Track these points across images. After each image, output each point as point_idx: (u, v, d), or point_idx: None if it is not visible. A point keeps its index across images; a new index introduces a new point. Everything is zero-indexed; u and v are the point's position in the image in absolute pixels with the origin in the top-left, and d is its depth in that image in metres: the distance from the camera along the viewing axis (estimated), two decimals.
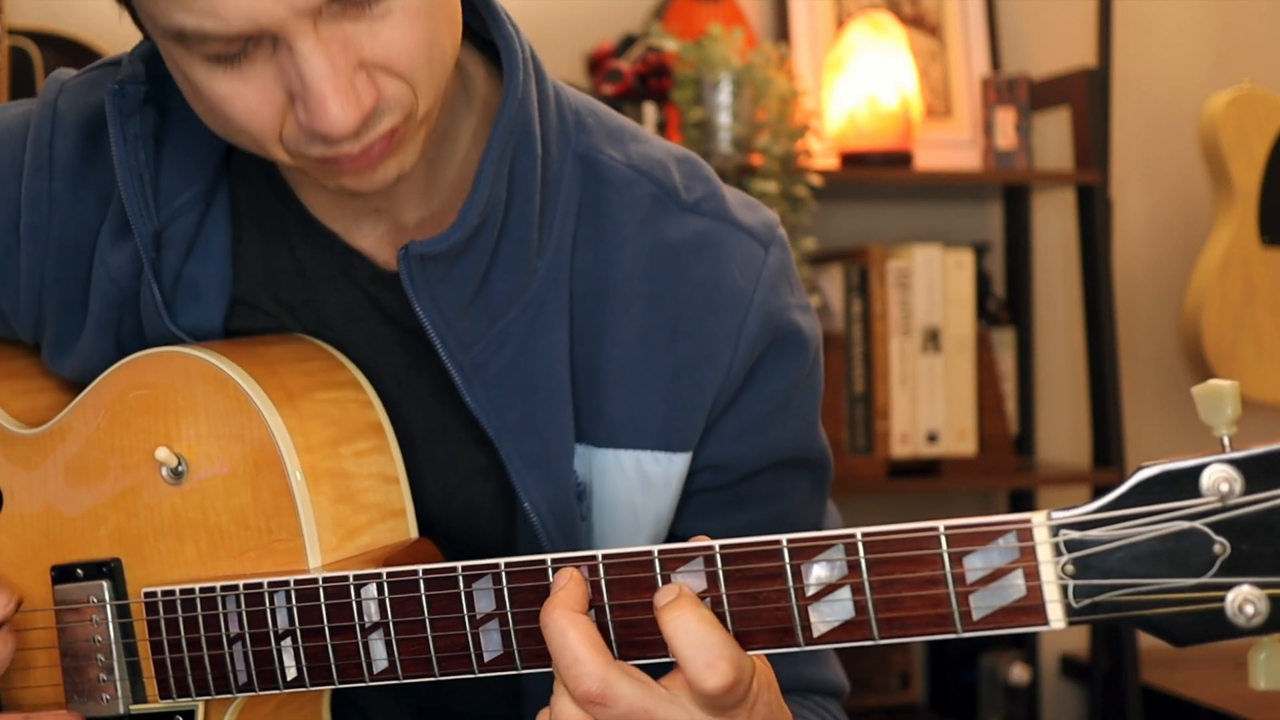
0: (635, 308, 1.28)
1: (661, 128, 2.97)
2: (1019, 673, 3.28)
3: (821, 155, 3.07)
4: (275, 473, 1.17)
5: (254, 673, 1.14)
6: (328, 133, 1.07)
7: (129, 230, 1.26)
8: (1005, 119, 3.22)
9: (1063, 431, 3.54)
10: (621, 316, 1.27)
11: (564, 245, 1.27)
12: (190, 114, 1.27)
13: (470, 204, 1.20)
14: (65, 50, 2.77)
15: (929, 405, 3.12)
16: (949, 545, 0.93)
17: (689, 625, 0.98)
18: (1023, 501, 3.36)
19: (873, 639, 0.96)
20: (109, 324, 1.29)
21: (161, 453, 1.18)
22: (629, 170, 1.30)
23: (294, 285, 1.30)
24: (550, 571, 1.03)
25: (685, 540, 1.32)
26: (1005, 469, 3.18)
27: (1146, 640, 3.21)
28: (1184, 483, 0.88)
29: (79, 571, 1.22)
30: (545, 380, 1.25)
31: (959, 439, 3.14)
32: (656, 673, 1.02)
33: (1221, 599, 0.87)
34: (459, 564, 1.07)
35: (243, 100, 1.09)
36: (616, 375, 1.27)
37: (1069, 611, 0.91)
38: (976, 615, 0.93)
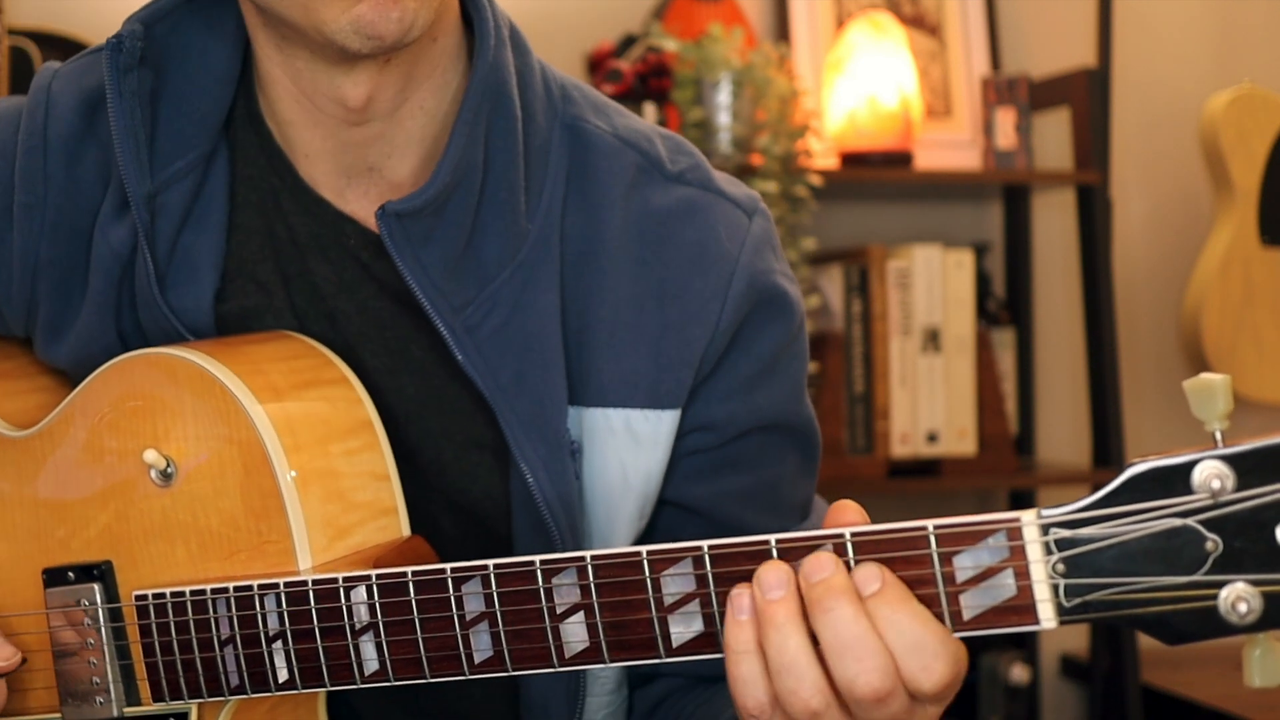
0: (624, 271, 1.30)
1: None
2: (1019, 673, 3.28)
3: (821, 155, 3.07)
4: (264, 474, 1.16)
5: (245, 675, 1.14)
6: None
7: (129, 205, 1.27)
8: (1005, 119, 3.22)
9: (1063, 431, 3.54)
10: (610, 279, 1.29)
11: (554, 210, 1.29)
12: (187, 78, 1.28)
13: (443, 161, 1.23)
14: (65, 50, 2.77)
15: (929, 405, 3.12)
16: (938, 545, 0.93)
17: (902, 624, 0.93)
18: (1023, 501, 3.35)
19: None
20: (109, 302, 1.29)
21: (150, 455, 1.18)
22: (615, 140, 1.33)
23: (287, 255, 1.31)
24: (539, 573, 1.03)
25: (678, 505, 1.33)
26: (1005, 469, 3.18)
27: (1146, 640, 3.19)
28: (1175, 479, 0.87)
29: (70, 574, 1.22)
30: (537, 341, 1.26)
31: (959, 439, 3.13)
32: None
33: (1214, 596, 0.87)
34: (448, 565, 1.06)
35: None
36: (605, 336, 1.29)
37: (1060, 611, 0.90)
38: (967, 615, 0.92)
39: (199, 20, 1.29)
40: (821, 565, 0.95)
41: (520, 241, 1.27)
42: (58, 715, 1.24)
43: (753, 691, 0.97)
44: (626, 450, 1.29)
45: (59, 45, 2.80)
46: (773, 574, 0.96)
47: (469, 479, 1.31)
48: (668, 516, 1.35)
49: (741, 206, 1.35)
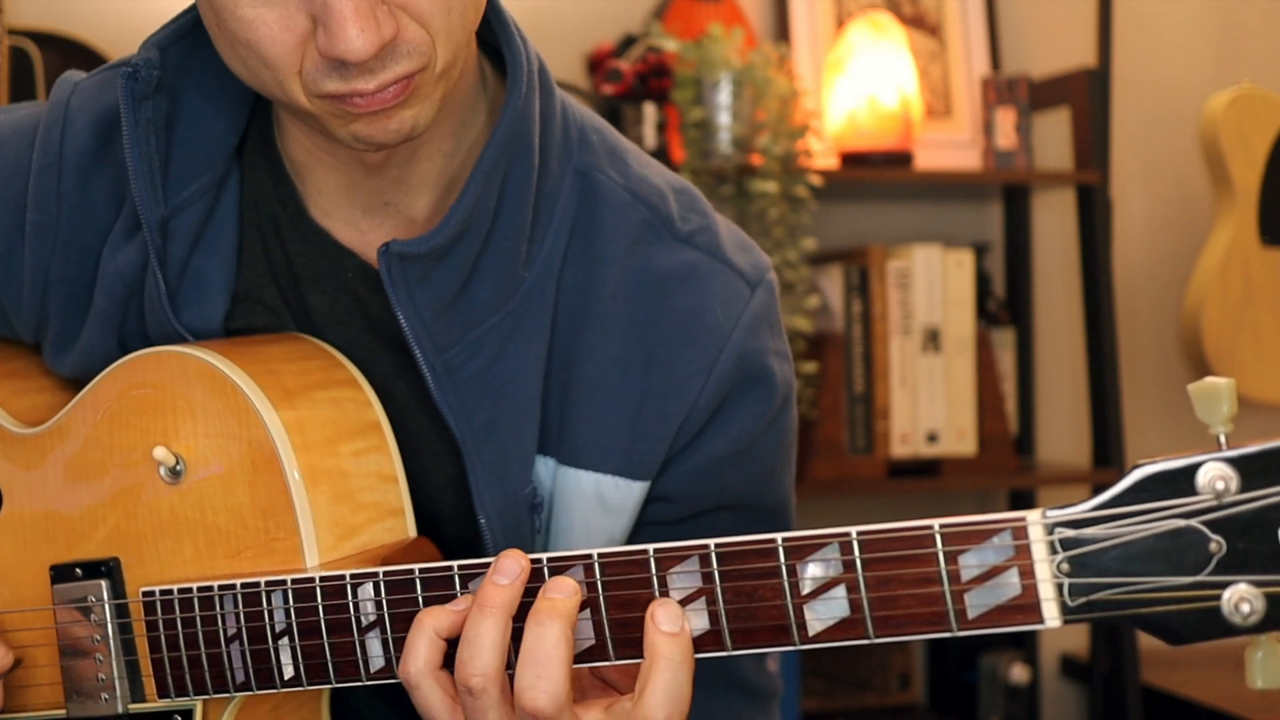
0: (614, 330, 1.28)
1: (661, 128, 2.97)
2: (1019, 673, 3.28)
3: (821, 155, 3.07)
4: (273, 472, 1.17)
5: (251, 672, 1.14)
6: (345, 54, 1.07)
7: (140, 227, 1.26)
8: (1005, 119, 3.22)
9: (1063, 431, 3.54)
10: (600, 336, 1.28)
11: (554, 260, 1.27)
12: (202, 104, 1.27)
13: (454, 210, 1.21)
14: (65, 50, 2.77)
15: (929, 405, 3.12)
16: (944, 544, 0.93)
17: (676, 673, 1.00)
18: (1023, 501, 3.36)
19: (868, 638, 0.96)
20: (113, 319, 1.29)
21: (159, 452, 1.18)
22: (626, 193, 1.31)
23: (285, 281, 1.31)
24: (546, 571, 1.04)
25: None
26: (1005, 469, 3.19)
27: (1146, 640, 3.21)
28: (1180, 481, 0.88)
29: (78, 571, 1.22)
30: (516, 389, 1.25)
31: (959, 439, 3.14)
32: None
33: (1218, 597, 0.87)
34: (455, 563, 1.07)
35: (266, 26, 1.10)
36: (588, 395, 1.28)
37: (1064, 610, 0.91)
38: (972, 614, 0.93)
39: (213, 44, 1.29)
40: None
41: (514, 288, 1.26)
42: (62, 712, 1.24)
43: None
44: (593, 514, 1.29)
45: (59, 45, 2.80)
46: (510, 561, 1.04)
47: (443, 518, 1.31)
48: None
49: (745, 278, 1.32)
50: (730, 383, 1.29)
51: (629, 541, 1.32)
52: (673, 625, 1.00)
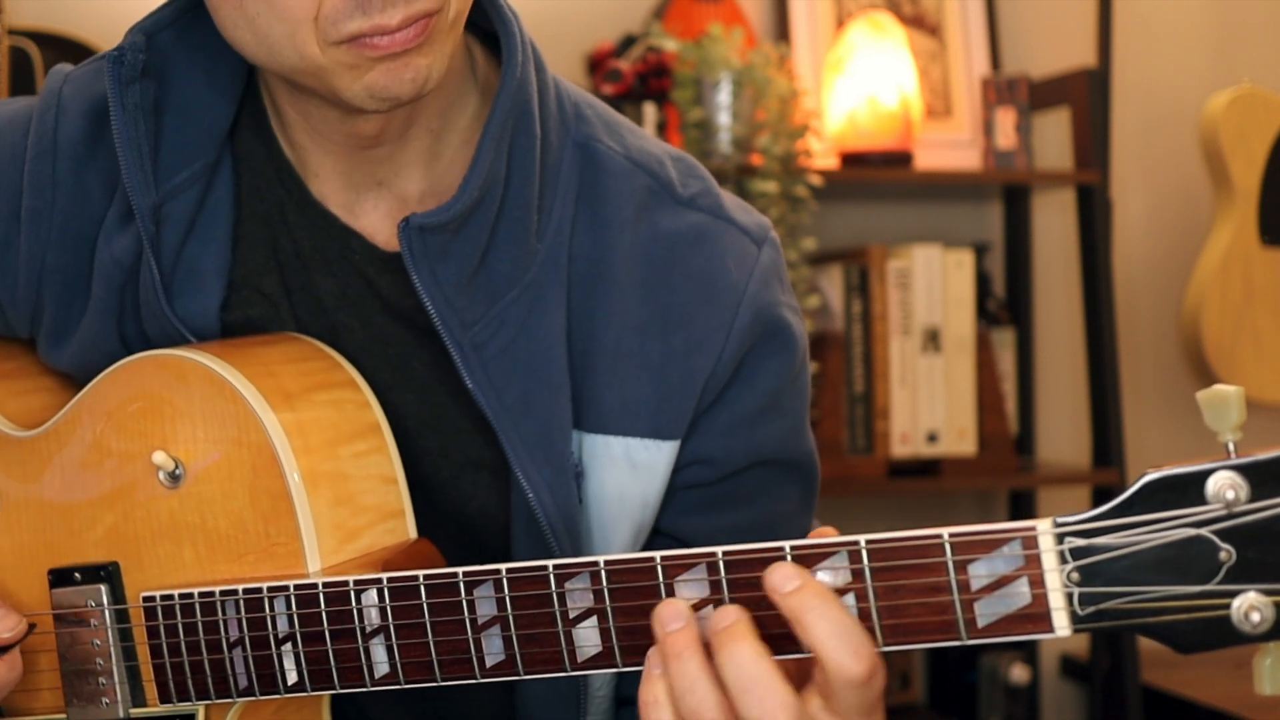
0: (630, 295, 1.29)
1: (661, 128, 2.96)
2: (1019, 673, 3.28)
3: (821, 155, 3.07)
4: (273, 475, 1.16)
5: (254, 677, 1.14)
6: None
7: (133, 215, 1.26)
8: (1005, 119, 3.22)
9: (1063, 431, 3.54)
10: (616, 303, 1.29)
11: (563, 230, 1.28)
12: (192, 90, 1.28)
13: (470, 176, 1.22)
14: (65, 50, 2.77)
15: (929, 405, 3.12)
16: (953, 553, 0.93)
17: (828, 613, 0.94)
18: (1023, 501, 3.35)
19: (877, 646, 0.96)
20: (111, 309, 1.29)
21: (158, 456, 1.18)
22: (626, 161, 1.32)
23: (291, 268, 1.31)
24: (552, 577, 1.03)
25: (671, 536, 1.33)
26: (1005, 469, 3.18)
27: (1147, 640, 3.20)
28: (1189, 489, 0.87)
29: (77, 575, 1.22)
30: (543, 363, 1.26)
31: (959, 439, 3.14)
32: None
33: (1227, 606, 0.87)
34: (460, 569, 1.06)
35: None
36: (609, 362, 1.28)
37: (1074, 619, 0.90)
38: (981, 623, 0.92)
39: (203, 29, 1.28)
40: (676, 614, 0.97)
41: (530, 260, 1.26)
42: (63, 716, 1.23)
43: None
44: (625, 477, 1.29)
45: (59, 45, 2.80)
46: (669, 609, 0.97)
47: (466, 497, 1.31)
48: (660, 547, 1.34)
49: (751, 235, 1.34)
50: (751, 337, 1.30)
51: (665, 505, 1.33)
52: (791, 583, 0.94)
